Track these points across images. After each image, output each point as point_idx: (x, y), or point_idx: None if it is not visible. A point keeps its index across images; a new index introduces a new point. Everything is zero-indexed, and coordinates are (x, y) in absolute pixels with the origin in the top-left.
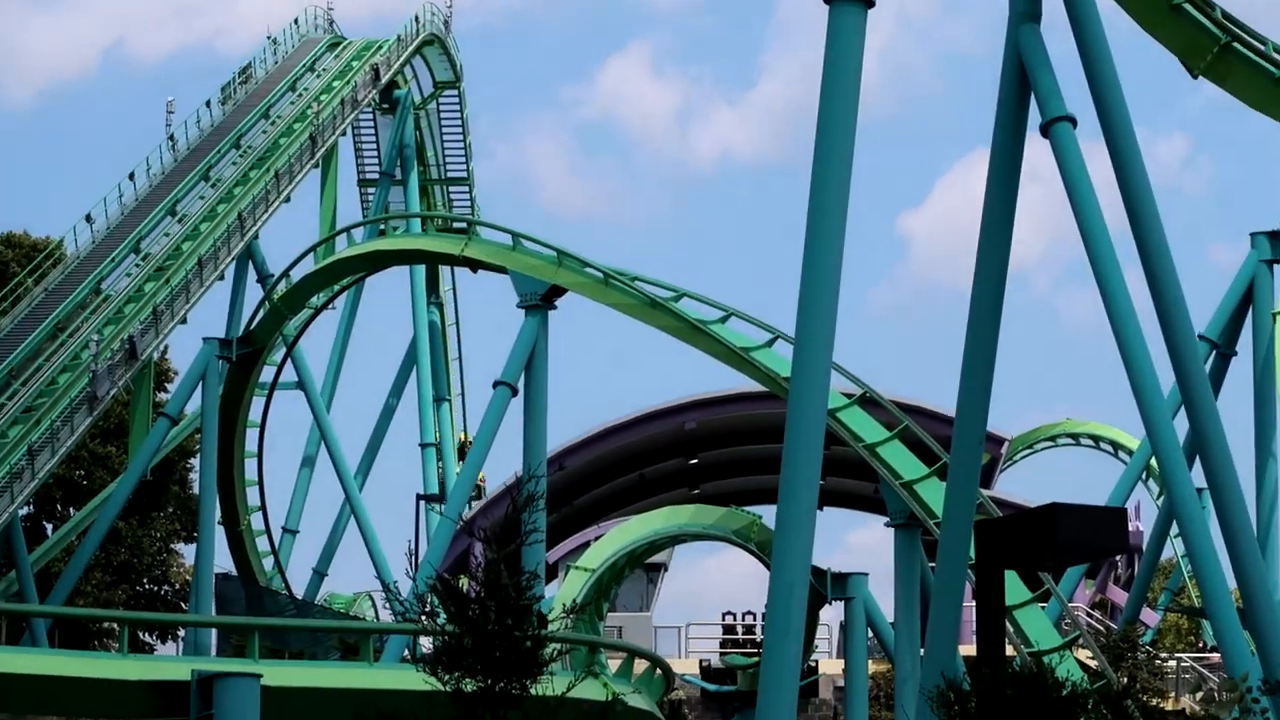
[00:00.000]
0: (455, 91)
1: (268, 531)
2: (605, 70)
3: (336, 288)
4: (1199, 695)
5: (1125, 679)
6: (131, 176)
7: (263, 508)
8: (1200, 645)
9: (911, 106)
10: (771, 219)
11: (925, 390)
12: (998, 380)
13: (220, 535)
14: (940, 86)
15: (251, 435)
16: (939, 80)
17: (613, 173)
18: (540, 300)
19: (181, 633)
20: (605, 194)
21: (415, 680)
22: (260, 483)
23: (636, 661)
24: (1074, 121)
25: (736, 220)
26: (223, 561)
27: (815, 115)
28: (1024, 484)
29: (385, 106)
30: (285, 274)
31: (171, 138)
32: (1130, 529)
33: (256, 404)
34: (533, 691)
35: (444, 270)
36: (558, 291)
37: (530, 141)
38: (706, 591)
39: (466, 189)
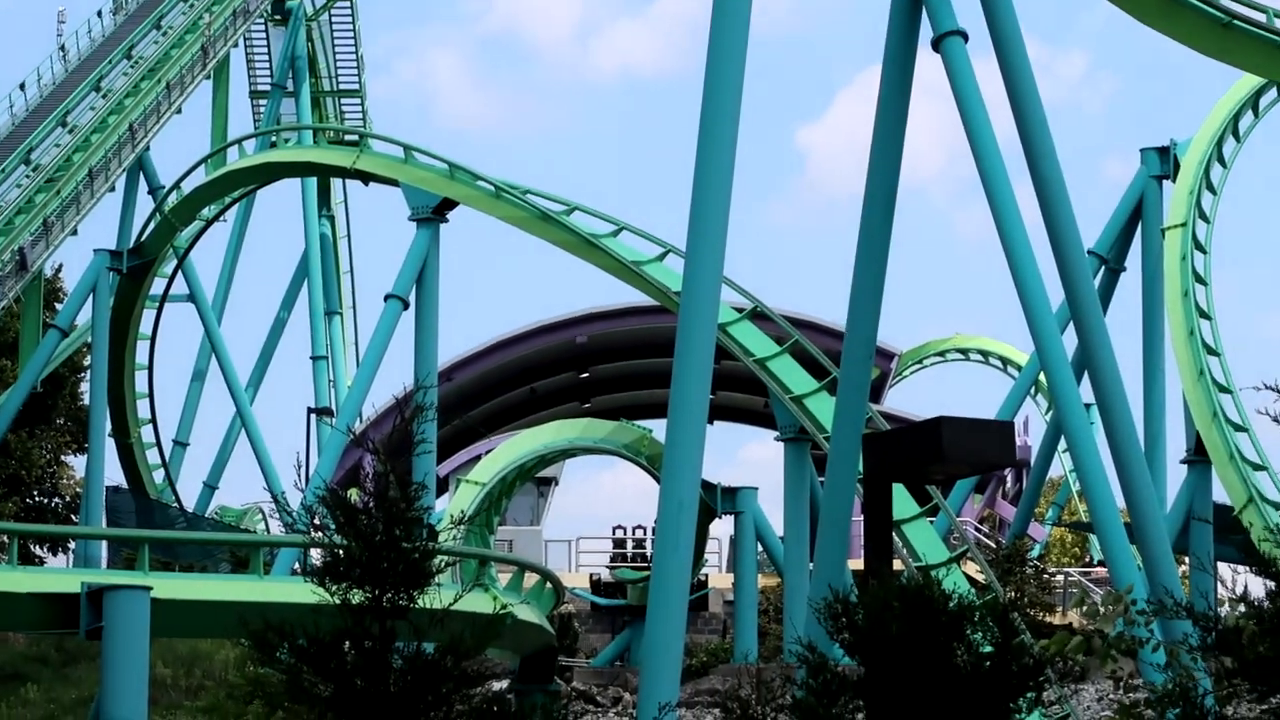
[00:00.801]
0: (348, 3)
1: (158, 444)
2: None
3: (228, 200)
4: (1084, 609)
5: (1013, 593)
6: (22, 87)
7: (153, 420)
8: (1087, 560)
9: (812, 19)
10: (670, 133)
11: (823, 304)
12: (892, 295)
13: (111, 448)
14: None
15: (142, 348)
16: None
17: (513, 86)
18: (432, 213)
19: (72, 545)
20: (506, 107)
21: (304, 592)
22: (151, 395)
23: (526, 575)
24: (965, 36)
25: (636, 134)
26: (113, 474)
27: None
28: (914, 399)
29: (277, 18)
30: (176, 186)
31: (62, 48)
32: (1018, 444)
33: (147, 316)
34: (420, 603)
35: (336, 183)
36: (449, 204)
37: (431, 55)
38: (598, 506)
39: (359, 101)
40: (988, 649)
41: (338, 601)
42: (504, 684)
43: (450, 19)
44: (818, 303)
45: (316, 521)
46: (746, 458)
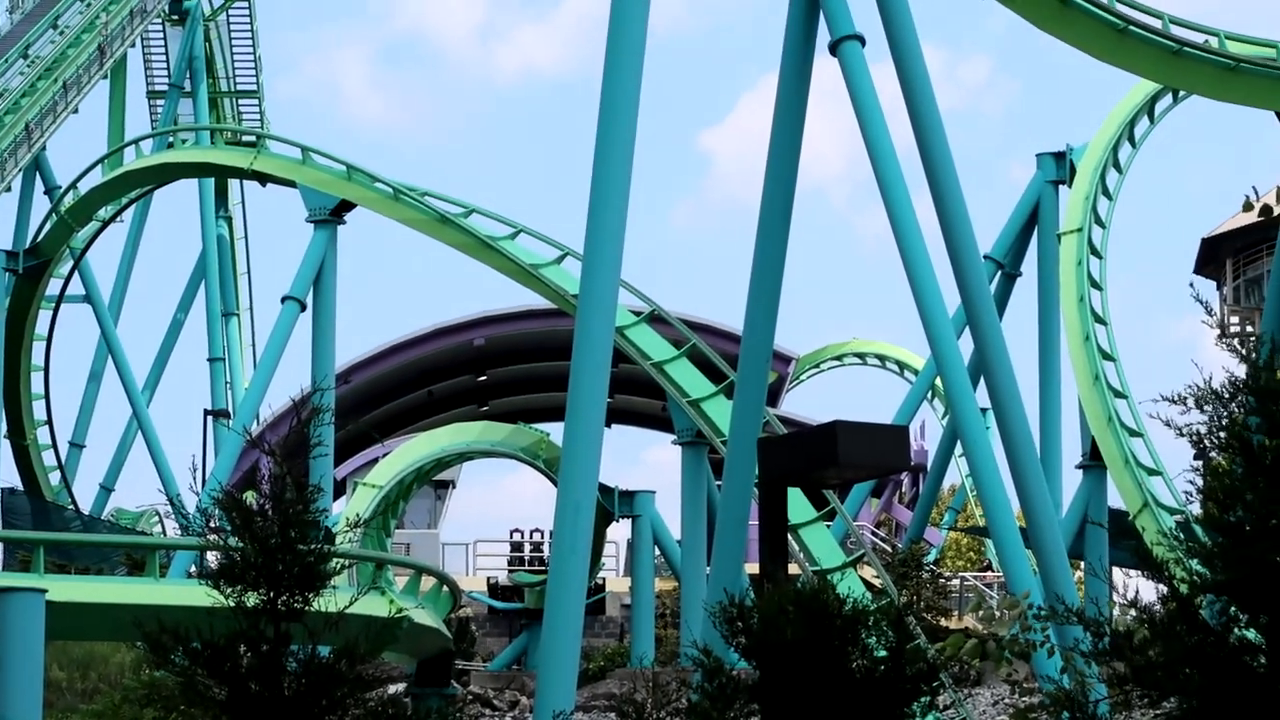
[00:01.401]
0: (246, 3)
1: (54, 446)
2: None
3: (125, 200)
4: (980, 613)
5: (909, 597)
6: None
7: (49, 422)
8: (984, 564)
9: (716, 22)
10: (571, 135)
11: (726, 307)
12: (792, 299)
13: (6, 449)
14: (743, 2)
15: (38, 348)
16: None
17: (418, 87)
18: (329, 215)
19: None
20: (410, 108)
21: (199, 595)
22: (47, 397)
23: (423, 578)
24: (863, 40)
25: (538, 136)
26: (8, 476)
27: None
28: (811, 403)
29: (175, 18)
30: (73, 186)
31: None
32: (915, 448)
33: (43, 317)
34: (316, 606)
35: (233, 184)
36: (347, 206)
37: (336, 55)
38: (496, 509)
39: (256, 102)
40: (882, 653)
41: (232, 604)
42: (400, 687)
43: (356, 19)
44: (721, 306)
45: (213, 524)
46: (649, 460)
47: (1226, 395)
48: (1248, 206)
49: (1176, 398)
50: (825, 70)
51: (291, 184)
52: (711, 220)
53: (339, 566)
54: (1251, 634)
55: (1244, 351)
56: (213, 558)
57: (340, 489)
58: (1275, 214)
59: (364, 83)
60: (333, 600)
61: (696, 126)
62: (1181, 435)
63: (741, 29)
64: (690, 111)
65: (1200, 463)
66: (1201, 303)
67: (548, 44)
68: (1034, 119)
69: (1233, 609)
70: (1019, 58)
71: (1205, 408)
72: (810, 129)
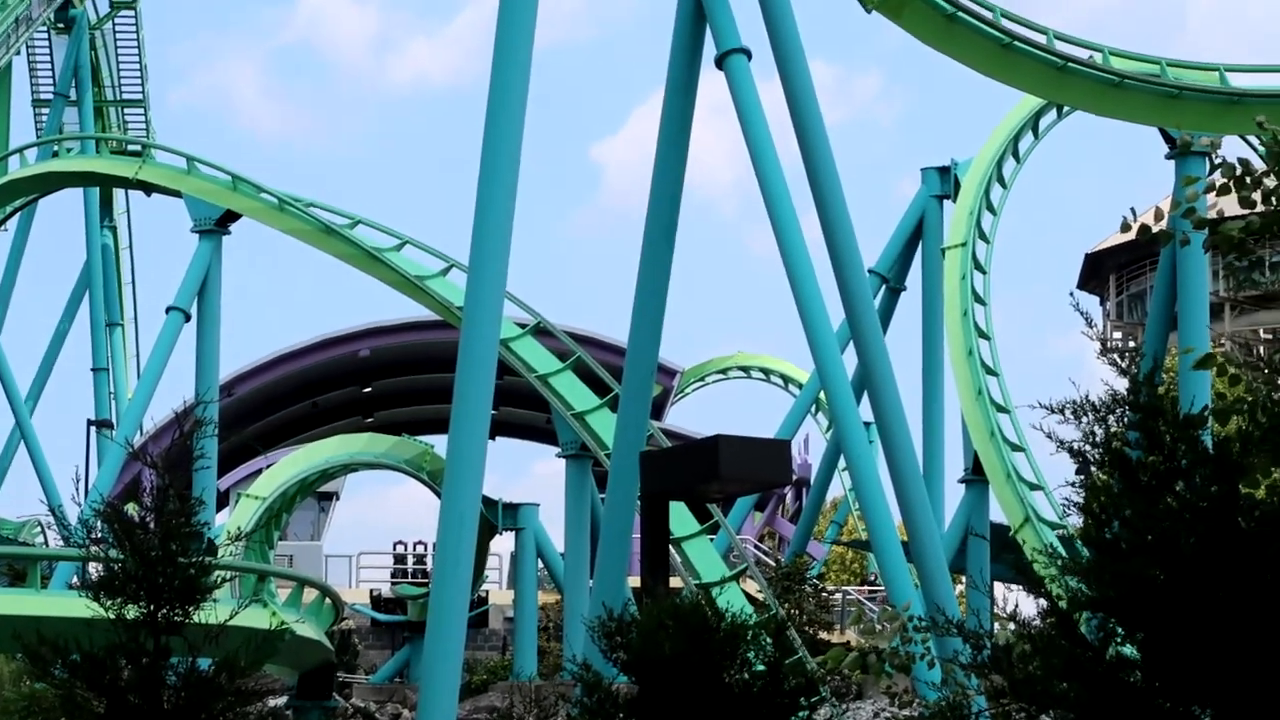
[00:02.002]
0: (132, 12)
1: None
2: None
3: (9, 209)
4: (860, 625)
5: (791, 611)
6: None
7: None
8: (872, 579)
9: (610, 35)
10: (460, 147)
11: (617, 319)
12: (680, 312)
13: None
14: (639, 14)
15: None
16: (639, 7)
17: (310, 98)
18: (214, 225)
19: None
20: (302, 119)
21: (80, 607)
22: None
23: (305, 590)
24: (749, 54)
25: (428, 148)
26: None
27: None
28: (696, 416)
29: (60, 26)
30: None
31: None
32: (798, 462)
33: None
34: (196, 618)
35: (118, 193)
36: (232, 216)
37: (229, 64)
38: (380, 521)
39: (142, 111)
40: (761, 668)
41: (112, 616)
42: (281, 700)
43: (249, 29)
44: (611, 318)
45: (95, 535)
46: (537, 473)
47: (1105, 410)
48: (1125, 227)
49: (1055, 408)
50: (718, 83)
51: (176, 194)
52: (602, 232)
53: (220, 579)
54: (1129, 649)
55: (1123, 366)
56: (94, 569)
57: (224, 501)
58: (1153, 234)
59: (256, 92)
60: (213, 613)
61: (589, 138)
62: (1061, 448)
63: (635, 42)
64: (583, 123)
65: (1080, 478)
66: (1082, 314)
67: (440, 55)
68: (925, 133)
69: (1110, 624)
70: (911, 72)
71: (1084, 419)
72: (702, 141)
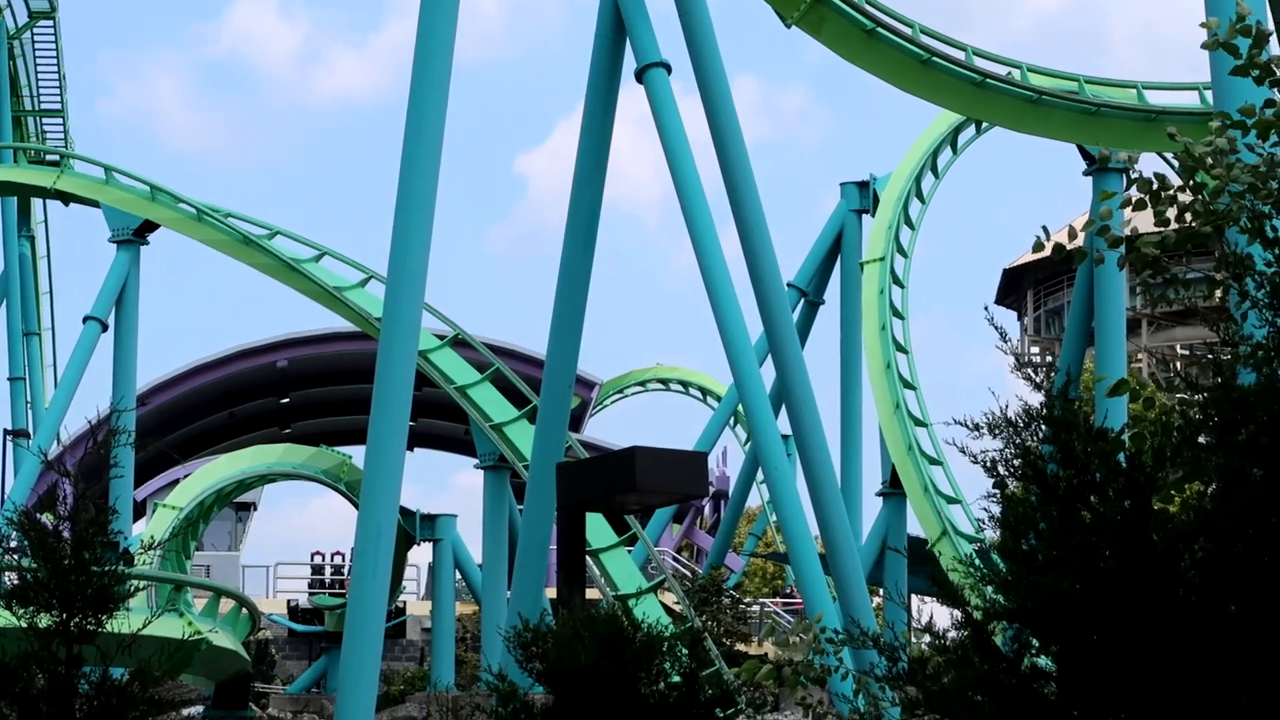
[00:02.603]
0: (51, 22)
1: None
2: (233, 8)
3: None
4: (774, 637)
5: (708, 622)
6: None
7: None
8: (789, 591)
9: (537, 48)
10: (384, 161)
11: (536, 331)
12: (603, 325)
13: None
14: (565, 28)
15: None
16: (565, 21)
17: (235, 111)
18: (133, 235)
19: None
20: (228, 132)
21: None
22: None
23: (222, 601)
24: (669, 68)
25: (352, 162)
26: None
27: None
28: (615, 428)
29: None
30: None
31: None
32: (717, 474)
33: None
34: (110, 628)
35: (36, 202)
36: (151, 226)
37: (155, 76)
38: (297, 532)
39: (61, 121)
40: (677, 679)
41: (24, 625)
42: (197, 710)
43: (176, 41)
44: (533, 330)
45: (10, 545)
46: (459, 485)
47: (1021, 424)
48: (1039, 246)
49: (971, 424)
50: (643, 97)
51: (95, 204)
52: (525, 244)
53: (134, 588)
54: (1043, 661)
55: (1038, 381)
56: (8, 579)
57: (141, 510)
58: (1067, 252)
59: (181, 105)
60: (127, 622)
61: (514, 150)
62: (976, 462)
63: (561, 56)
64: (508, 136)
65: (997, 491)
66: (997, 328)
67: (364, 69)
68: (850, 148)
69: (1025, 636)
70: (836, 88)
71: (998, 434)
72: (629, 155)
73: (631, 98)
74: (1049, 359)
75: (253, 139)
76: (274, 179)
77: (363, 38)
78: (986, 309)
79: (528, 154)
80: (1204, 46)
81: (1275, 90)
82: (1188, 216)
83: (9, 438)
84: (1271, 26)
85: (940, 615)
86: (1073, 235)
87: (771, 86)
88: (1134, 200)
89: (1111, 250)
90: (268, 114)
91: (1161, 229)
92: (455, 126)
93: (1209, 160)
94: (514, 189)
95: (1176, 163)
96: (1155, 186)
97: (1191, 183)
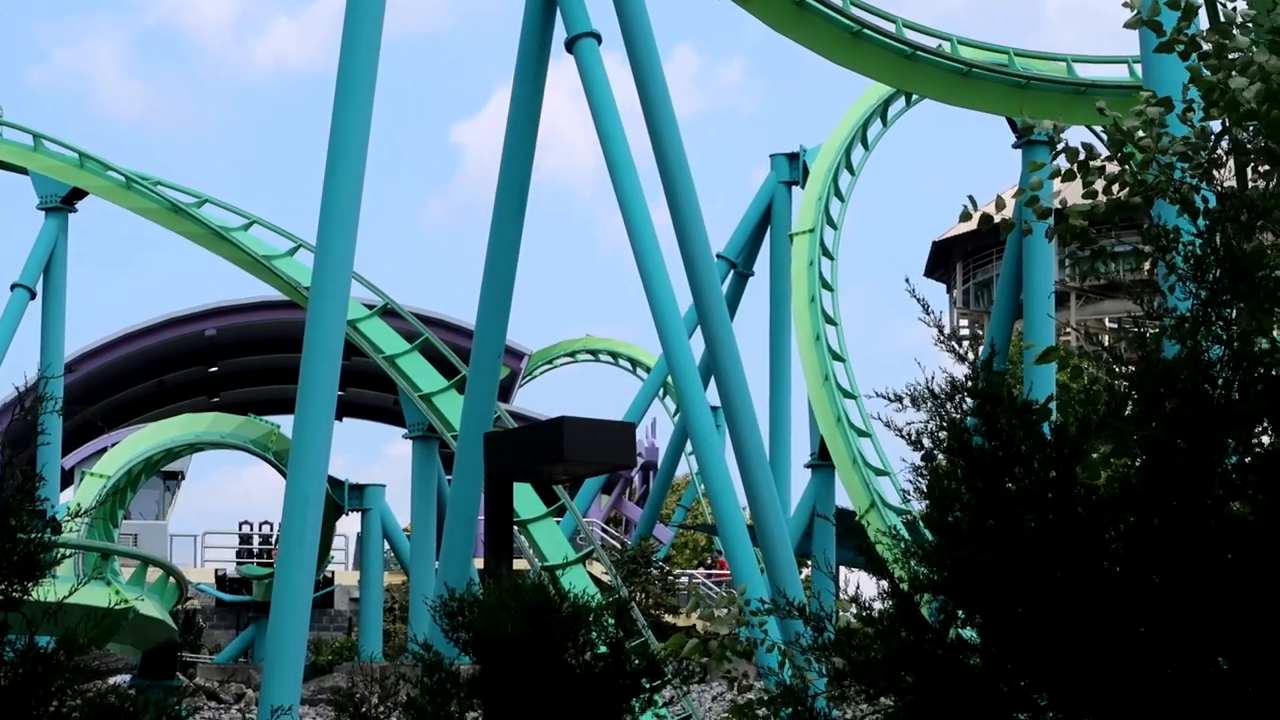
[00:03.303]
0: None
1: None
2: None
3: None
4: (700, 609)
5: (637, 593)
6: None
7: None
8: (711, 561)
9: (474, 19)
10: (318, 130)
11: (468, 301)
12: (535, 295)
13: None
14: None
15: None
16: None
17: (171, 80)
18: (61, 202)
19: None
20: (163, 100)
21: None
22: None
23: (149, 569)
24: (599, 38)
25: (287, 131)
26: None
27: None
28: (544, 399)
29: None
30: None
31: None
32: (646, 445)
33: None
34: (36, 595)
35: None
36: (79, 194)
37: (91, 45)
38: (226, 501)
39: None
40: (604, 649)
41: None
42: (124, 679)
43: (112, 10)
44: (469, 300)
45: None
46: (391, 455)
47: (944, 396)
48: (965, 216)
49: (895, 396)
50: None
51: (23, 171)
52: (460, 214)
53: (61, 555)
54: (968, 632)
55: (961, 353)
56: None
57: (69, 479)
58: (994, 223)
59: (117, 74)
60: (53, 590)
61: (449, 120)
62: (901, 435)
63: (498, 25)
64: (445, 106)
65: (924, 463)
66: (920, 301)
67: (300, 38)
68: (788, 119)
69: (950, 607)
70: (774, 60)
71: (923, 407)
72: (567, 126)
73: (571, 68)
74: (978, 332)
75: (188, 107)
76: (209, 148)
77: (300, 6)
78: (908, 281)
79: (464, 124)
80: (1127, 25)
81: (1201, 64)
82: (1115, 188)
83: None
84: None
85: (868, 587)
86: (1000, 206)
87: (711, 58)
88: (1063, 171)
89: (1040, 221)
90: (204, 82)
91: (1090, 200)
92: (392, 97)
93: (1139, 133)
94: (450, 159)
95: (1105, 136)
96: (1083, 157)
97: (1120, 154)
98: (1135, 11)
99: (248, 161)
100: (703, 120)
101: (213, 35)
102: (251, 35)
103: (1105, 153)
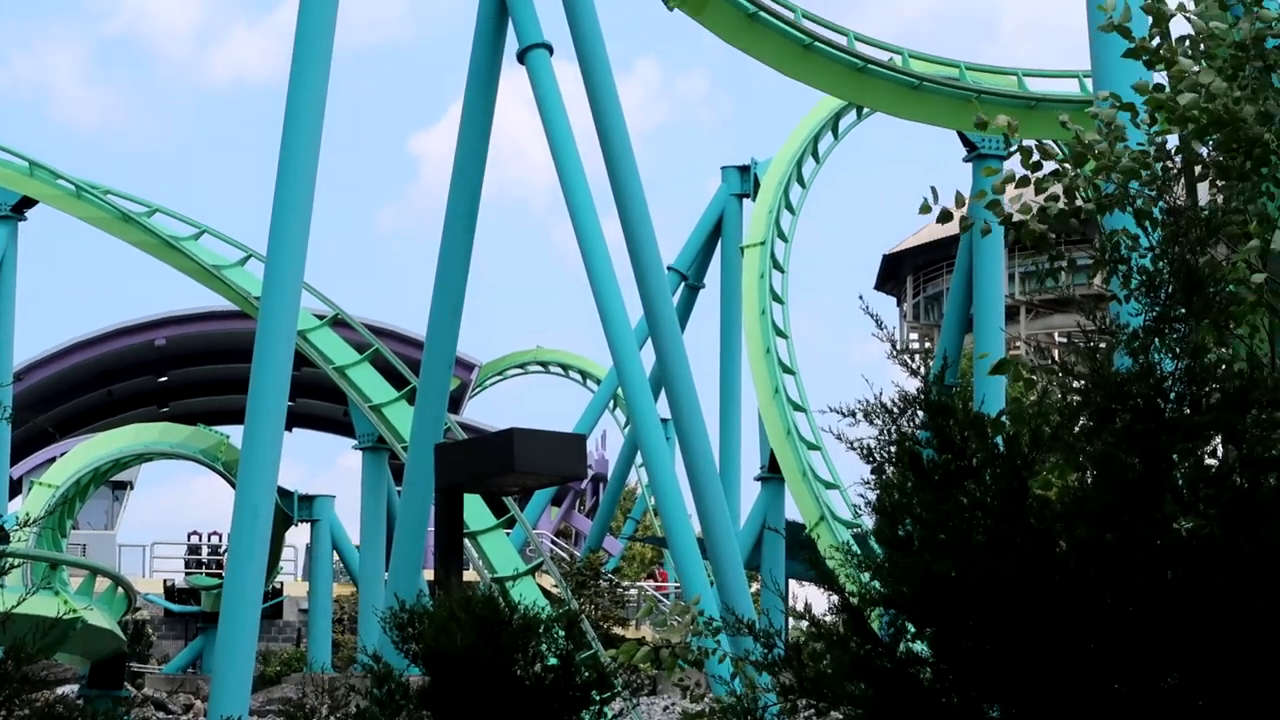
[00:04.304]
0: None
1: None
2: None
3: None
4: (652, 619)
5: (587, 605)
6: None
7: None
8: (656, 573)
9: (435, 29)
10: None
11: (418, 312)
12: (486, 306)
13: None
14: (460, 9)
15: None
16: (461, 3)
17: (131, 88)
18: (10, 210)
19: None
20: (122, 109)
21: None
22: None
23: (98, 579)
24: (550, 49)
25: (247, 141)
26: None
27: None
28: (494, 410)
29: None
30: None
31: None
32: (596, 457)
33: None
34: None
35: None
36: (29, 202)
37: (50, 51)
38: (175, 512)
39: None
40: (554, 661)
41: None
42: (72, 689)
43: (72, 16)
44: (424, 310)
45: None
46: (343, 465)
47: (896, 410)
48: (926, 208)
49: (846, 410)
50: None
51: None
52: (417, 224)
53: (10, 565)
54: (919, 646)
55: (914, 366)
56: None
57: (17, 489)
58: (954, 219)
59: (77, 81)
60: (1, 600)
61: (408, 130)
62: (852, 448)
63: (458, 35)
64: (403, 116)
65: (874, 476)
66: (872, 315)
67: (260, 48)
68: (749, 132)
69: (901, 621)
70: (735, 72)
71: (875, 421)
72: (521, 135)
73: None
74: (928, 345)
75: (147, 116)
76: (167, 156)
77: (259, 16)
78: (861, 298)
79: (422, 134)
80: (1100, 28)
81: (1164, 73)
82: (1075, 193)
83: None
84: (1172, 6)
85: (818, 600)
86: (960, 203)
87: (671, 71)
88: (1017, 178)
89: (1000, 226)
90: (162, 91)
91: (1050, 202)
92: (350, 107)
93: (1099, 134)
94: (407, 169)
95: (1058, 151)
96: (1036, 158)
97: (1080, 167)
98: (1108, 16)
99: (206, 170)
100: (664, 132)
101: (173, 44)
102: (211, 44)
103: (1060, 153)
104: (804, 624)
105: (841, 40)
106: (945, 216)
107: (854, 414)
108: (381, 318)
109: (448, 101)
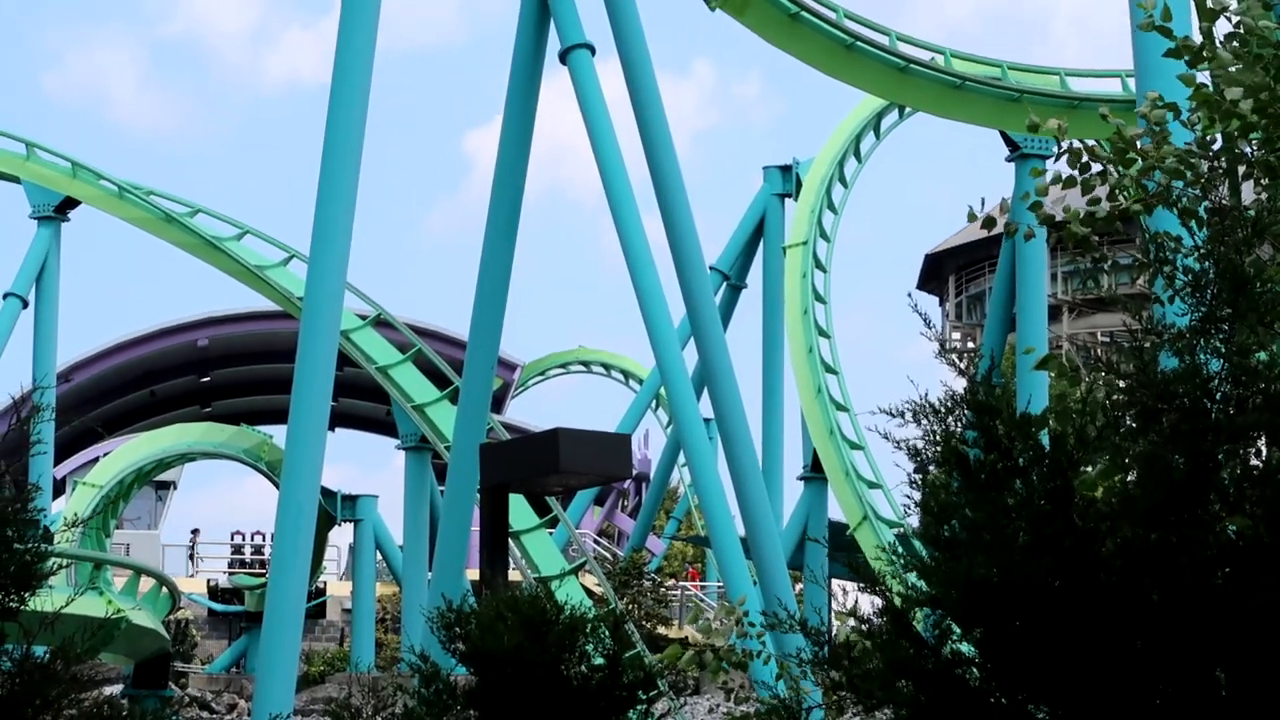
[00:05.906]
0: None
1: None
2: None
3: None
4: (698, 622)
5: (630, 605)
6: None
7: None
8: (688, 573)
9: (481, 29)
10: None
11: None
12: (532, 305)
13: None
14: (511, 11)
15: None
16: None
17: (185, 90)
18: (54, 211)
19: None
20: (177, 111)
21: None
22: None
23: (142, 579)
24: (592, 49)
25: (297, 142)
26: None
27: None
28: (537, 410)
29: None
30: None
31: None
32: (639, 457)
33: None
34: (32, 605)
35: None
36: (72, 203)
37: (107, 53)
38: (218, 511)
39: None
40: (600, 661)
41: None
42: (117, 689)
43: (129, 19)
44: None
45: None
46: (390, 465)
47: (944, 410)
48: (971, 217)
49: (894, 411)
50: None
51: (15, 179)
52: (467, 223)
53: (56, 566)
54: (965, 647)
55: (961, 366)
56: None
57: (61, 488)
58: (998, 227)
59: (132, 83)
60: (49, 600)
61: (462, 129)
62: (899, 448)
63: (508, 35)
64: (457, 115)
65: (918, 476)
66: (920, 314)
67: (313, 50)
68: (799, 132)
69: (946, 622)
70: (787, 73)
71: (923, 422)
72: (571, 134)
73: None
74: (970, 344)
75: (199, 118)
76: (217, 159)
77: (313, 19)
78: (910, 296)
79: (477, 132)
80: (1140, 26)
81: (1206, 72)
82: (1119, 193)
83: None
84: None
85: (862, 601)
86: (1004, 209)
87: (726, 74)
88: (1064, 178)
89: (1041, 227)
90: (216, 93)
91: (1094, 205)
92: (404, 108)
93: (1149, 135)
94: (461, 167)
95: (1106, 153)
96: (1084, 159)
97: (1121, 163)
98: (1148, 14)
99: (255, 172)
100: (717, 133)
101: (228, 46)
102: (265, 47)
103: (1106, 155)
104: (851, 623)
105: (883, 40)
106: (989, 222)
107: (902, 414)
108: (429, 319)
109: (500, 100)
